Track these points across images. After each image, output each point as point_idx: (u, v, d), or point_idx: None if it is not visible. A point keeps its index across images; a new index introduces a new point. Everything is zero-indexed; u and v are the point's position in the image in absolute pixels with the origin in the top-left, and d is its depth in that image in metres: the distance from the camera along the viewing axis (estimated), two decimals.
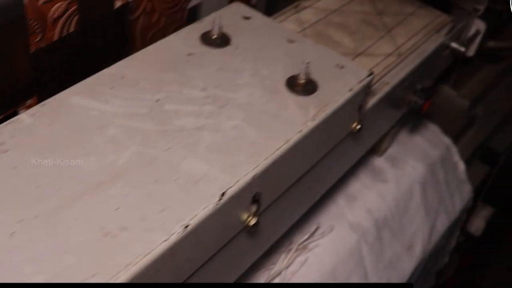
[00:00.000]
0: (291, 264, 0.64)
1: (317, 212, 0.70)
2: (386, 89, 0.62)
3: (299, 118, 0.49)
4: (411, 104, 0.69)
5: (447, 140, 0.88)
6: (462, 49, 0.74)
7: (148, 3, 0.63)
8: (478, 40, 0.79)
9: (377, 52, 0.66)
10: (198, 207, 0.40)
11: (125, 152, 0.44)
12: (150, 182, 0.42)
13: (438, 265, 0.97)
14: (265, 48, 0.56)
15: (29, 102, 0.57)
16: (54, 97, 0.47)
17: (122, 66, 0.51)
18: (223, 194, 0.42)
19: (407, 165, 0.81)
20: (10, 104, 0.55)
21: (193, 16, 0.70)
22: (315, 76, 0.53)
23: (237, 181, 0.43)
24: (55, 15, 0.54)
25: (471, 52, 0.80)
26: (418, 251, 0.78)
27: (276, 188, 0.49)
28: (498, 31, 0.89)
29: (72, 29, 0.56)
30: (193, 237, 0.40)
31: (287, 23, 0.68)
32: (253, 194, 0.45)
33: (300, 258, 0.65)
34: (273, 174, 0.46)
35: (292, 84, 0.52)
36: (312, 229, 0.68)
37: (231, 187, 0.42)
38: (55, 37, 0.55)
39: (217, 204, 0.41)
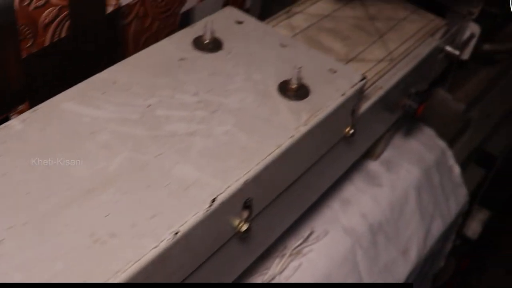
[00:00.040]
0: (285, 269, 0.64)
1: (311, 216, 0.69)
2: (379, 93, 0.62)
3: (291, 123, 0.49)
4: (406, 108, 0.68)
5: (442, 144, 0.88)
6: (457, 52, 0.74)
7: (141, 7, 0.63)
8: (472, 43, 0.80)
9: (369, 57, 0.66)
10: (189, 214, 0.40)
11: (116, 158, 0.44)
12: (141, 188, 0.42)
13: (434, 269, 0.97)
14: (258, 53, 0.56)
15: (20, 107, 0.56)
16: (45, 102, 0.47)
17: (114, 71, 0.51)
18: (213, 200, 0.41)
19: (402, 169, 0.81)
20: (2, 110, 0.55)
21: (186, 20, 0.70)
22: (307, 80, 0.53)
23: (228, 186, 0.42)
24: (46, 21, 0.54)
25: (465, 55, 0.80)
26: (413, 255, 0.78)
27: (268, 193, 0.49)
28: (492, 34, 0.90)
29: (63, 34, 0.56)
30: (183, 243, 0.40)
31: (278, 29, 0.67)
32: (245, 200, 0.45)
33: (294, 263, 0.65)
34: (265, 180, 0.46)
35: (284, 89, 0.52)
36: (306, 234, 0.68)
37: (221, 193, 0.42)
38: (47, 43, 0.55)
39: (207, 210, 0.41)
